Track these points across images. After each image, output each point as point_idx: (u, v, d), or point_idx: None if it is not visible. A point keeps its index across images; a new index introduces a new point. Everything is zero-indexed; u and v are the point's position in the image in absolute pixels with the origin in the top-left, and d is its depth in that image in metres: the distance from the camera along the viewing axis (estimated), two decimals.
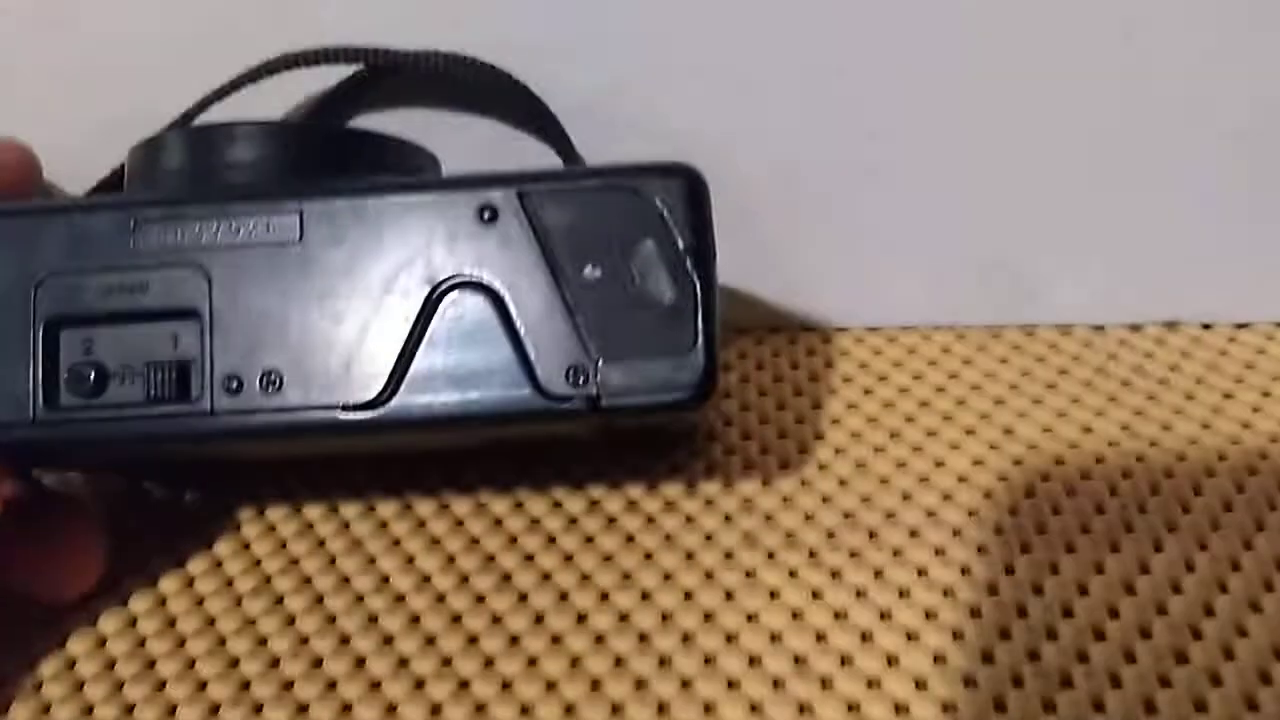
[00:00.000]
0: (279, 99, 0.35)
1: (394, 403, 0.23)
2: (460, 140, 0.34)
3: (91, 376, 0.23)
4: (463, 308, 0.24)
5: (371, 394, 0.23)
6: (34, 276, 0.23)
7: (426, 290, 0.24)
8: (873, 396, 0.33)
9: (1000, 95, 0.33)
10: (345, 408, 0.23)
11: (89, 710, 0.25)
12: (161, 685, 0.25)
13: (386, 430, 0.24)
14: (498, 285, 0.24)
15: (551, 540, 0.29)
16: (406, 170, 0.28)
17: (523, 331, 0.24)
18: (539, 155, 0.35)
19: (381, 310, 0.23)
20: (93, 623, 0.27)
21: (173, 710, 0.25)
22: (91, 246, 0.23)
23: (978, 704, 0.24)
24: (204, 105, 0.32)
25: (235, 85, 0.32)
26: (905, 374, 0.34)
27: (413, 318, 0.23)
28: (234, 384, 0.23)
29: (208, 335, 0.23)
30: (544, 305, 0.24)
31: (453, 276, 0.24)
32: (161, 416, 0.23)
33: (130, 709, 0.25)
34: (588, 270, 0.24)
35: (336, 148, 0.27)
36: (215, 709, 0.25)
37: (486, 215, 0.24)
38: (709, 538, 0.29)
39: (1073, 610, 0.26)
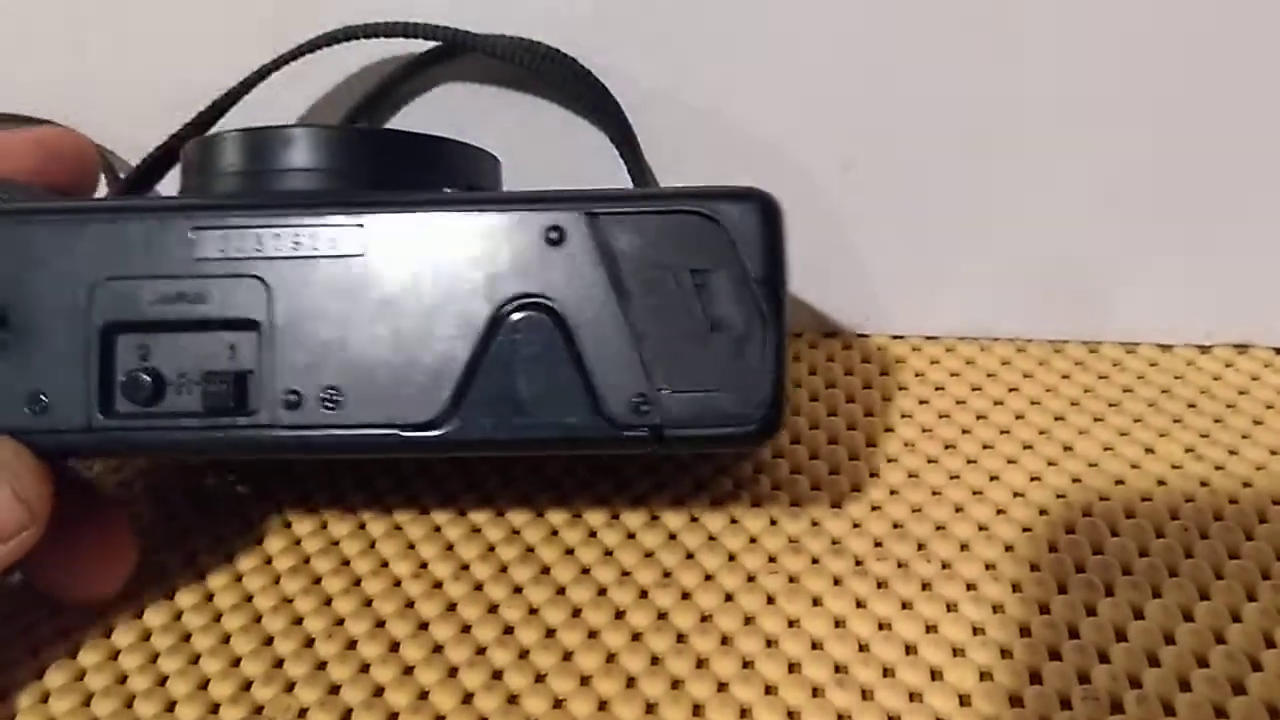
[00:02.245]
0: (342, 74, 0.35)
1: (454, 424, 0.23)
2: (520, 124, 0.34)
3: (149, 384, 0.23)
4: (526, 329, 0.23)
5: (432, 414, 0.23)
6: (91, 280, 0.23)
7: (490, 310, 0.23)
8: (928, 406, 0.32)
9: (1073, 108, 0.33)
10: (405, 427, 0.23)
11: (130, 703, 0.25)
12: (205, 683, 0.25)
13: (446, 451, 0.23)
14: (563, 308, 0.23)
15: (592, 534, 0.28)
16: (469, 175, 0.27)
17: (586, 356, 0.23)
18: (597, 145, 0.35)
19: (444, 329, 0.23)
20: (139, 614, 0.27)
21: (215, 709, 0.25)
22: (150, 252, 0.23)
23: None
24: (268, 72, 0.32)
25: (306, 49, 0.32)
26: (963, 385, 0.33)
27: (475, 338, 0.23)
28: (294, 399, 0.23)
29: (267, 347, 0.23)
30: (609, 330, 0.23)
31: (517, 297, 0.23)
32: (220, 428, 0.23)
33: (171, 706, 0.25)
34: (655, 296, 0.23)
35: (399, 152, 0.26)
36: (259, 709, 0.25)
37: (554, 236, 0.23)
38: (753, 540, 0.28)
39: (1126, 634, 0.25)
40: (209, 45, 0.35)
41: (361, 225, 0.23)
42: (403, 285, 0.23)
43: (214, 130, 0.27)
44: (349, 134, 0.28)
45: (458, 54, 0.34)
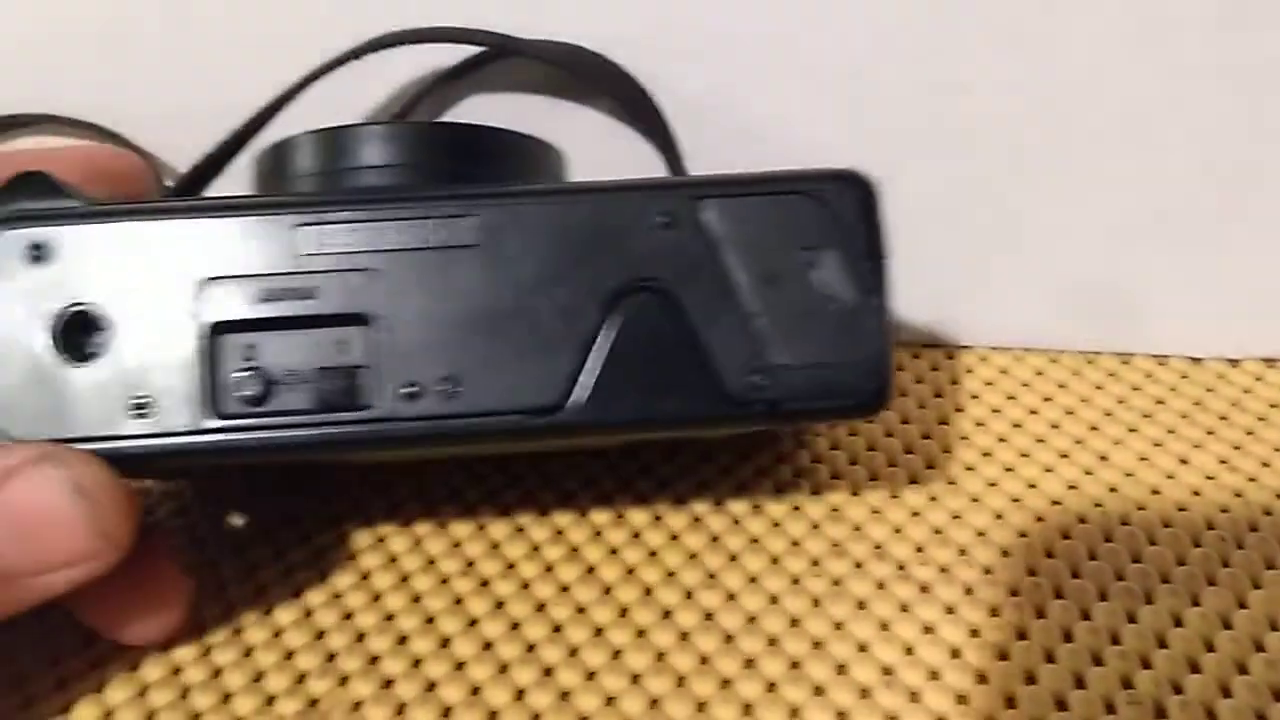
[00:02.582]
0: (386, 79, 0.36)
1: (574, 408, 0.23)
2: (562, 129, 0.35)
3: (258, 384, 0.22)
4: (640, 312, 0.23)
5: (551, 399, 0.23)
6: (193, 280, 0.23)
7: (604, 295, 0.23)
8: (964, 415, 0.33)
9: (1110, 127, 0.33)
10: (526, 413, 0.23)
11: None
12: (270, 700, 0.25)
13: (566, 434, 0.23)
14: (675, 290, 0.23)
15: (636, 536, 0.29)
16: (543, 169, 0.28)
17: (701, 336, 0.23)
18: (639, 151, 0.35)
19: (559, 316, 0.23)
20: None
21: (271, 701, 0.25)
22: (255, 249, 0.23)
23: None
24: (314, 78, 0.33)
25: (353, 55, 0.32)
26: (998, 394, 0.33)
27: (591, 322, 0.23)
28: (411, 390, 0.23)
29: (379, 341, 0.23)
30: (722, 310, 0.23)
31: (630, 281, 0.23)
32: (336, 424, 0.23)
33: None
34: (765, 275, 0.23)
35: (480, 146, 0.27)
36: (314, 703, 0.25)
37: (664, 220, 0.23)
38: (795, 544, 0.28)
39: (1167, 641, 0.25)
40: (255, 51, 0.35)
41: (472, 216, 0.23)
42: (515, 274, 0.23)
43: (287, 135, 0.27)
44: (433, 129, 0.29)
45: (502, 58, 0.35)
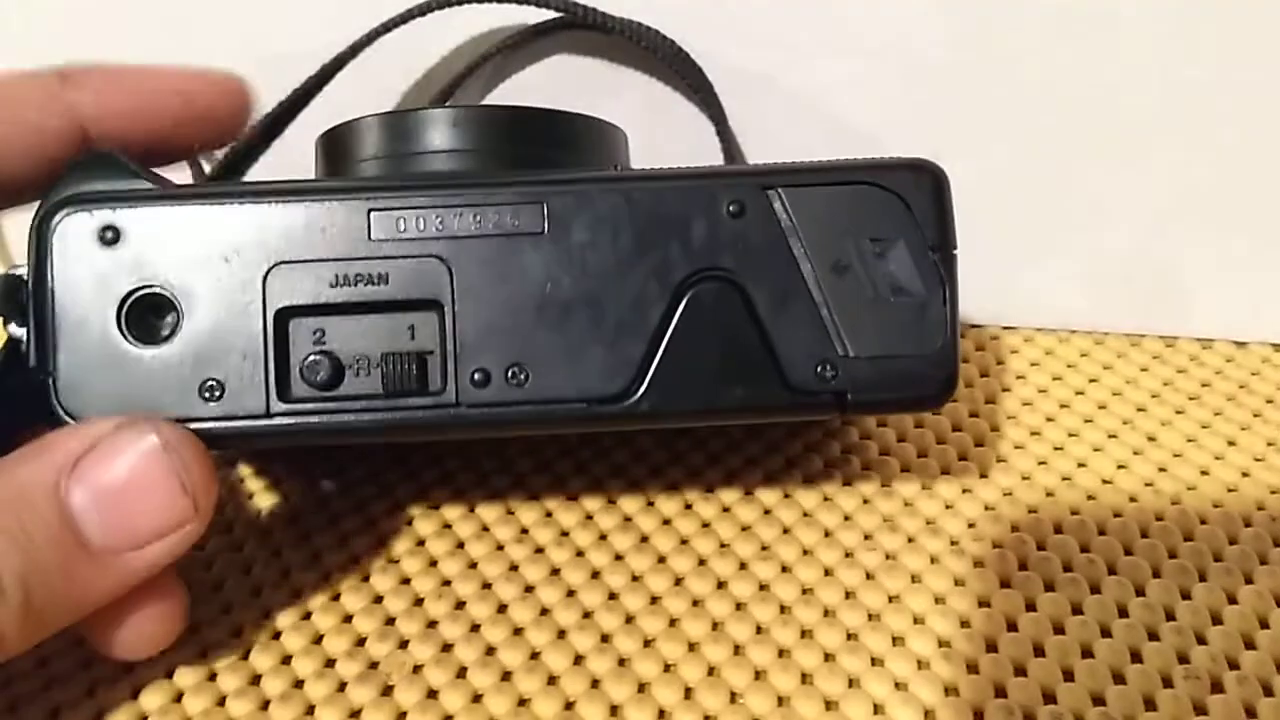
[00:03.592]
0: (448, 45, 0.36)
1: (642, 396, 0.23)
2: (618, 105, 0.35)
3: (327, 368, 0.22)
4: (709, 302, 0.23)
5: (618, 387, 0.23)
6: (265, 264, 0.23)
7: (673, 283, 0.23)
8: (1011, 394, 0.33)
9: (1159, 111, 0.33)
10: (594, 400, 0.23)
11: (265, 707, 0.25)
12: (342, 686, 0.25)
13: (632, 423, 0.23)
14: (744, 280, 0.23)
15: (688, 506, 0.29)
16: (608, 152, 0.28)
17: (769, 326, 0.23)
18: (699, 126, 0.35)
19: (627, 304, 0.23)
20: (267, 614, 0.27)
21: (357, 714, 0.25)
22: (326, 234, 0.23)
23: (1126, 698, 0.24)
24: (373, 38, 0.32)
25: (420, 11, 0.32)
26: (1044, 374, 0.34)
27: (659, 311, 0.23)
28: (480, 376, 0.23)
29: (449, 327, 0.23)
30: (791, 300, 0.23)
31: (699, 270, 0.23)
32: (403, 409, 0.23)
33: (311, 710, 0.25)
34: (834, 265, 0.23)
35: (546, 130, 0.27)
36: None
37: (733, 209, 0.23)
38: (847, 518, 0.29)
39: (1221, 618, 0.26)
40: (309, 10, 0.35)
41: (543, 203, 0.23)
42: (585, 262, 0.23)
43: (351, 119, 0.27)
44: (501, 113, 0.28)
45: (563, 29, 0.35)
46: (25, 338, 0.22)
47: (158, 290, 0.22)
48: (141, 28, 0.37)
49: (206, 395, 0.22)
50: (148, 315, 0.22)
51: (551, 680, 0.25)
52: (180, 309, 0.22)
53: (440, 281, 0.23)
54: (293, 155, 0.29)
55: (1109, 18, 0.33)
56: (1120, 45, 0.33)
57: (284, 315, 0.23)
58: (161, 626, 0.23)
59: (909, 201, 0.23)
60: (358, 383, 0.23)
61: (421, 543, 0.28)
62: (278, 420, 0.22)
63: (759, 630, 0.26)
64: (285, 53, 0.31)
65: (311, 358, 0.23)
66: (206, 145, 0.25)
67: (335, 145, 0.27)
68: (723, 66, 0.35)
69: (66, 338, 0.22)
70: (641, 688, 0.25)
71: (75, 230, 0.22)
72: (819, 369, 0.23)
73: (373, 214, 0.23)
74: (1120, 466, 0.30)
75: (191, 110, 0.25)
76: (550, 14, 0.34)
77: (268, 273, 0.23)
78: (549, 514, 0.29)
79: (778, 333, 0.23)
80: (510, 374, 0.23)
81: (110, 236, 0.22)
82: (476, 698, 0.25)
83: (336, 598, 0.27)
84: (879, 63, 0.34)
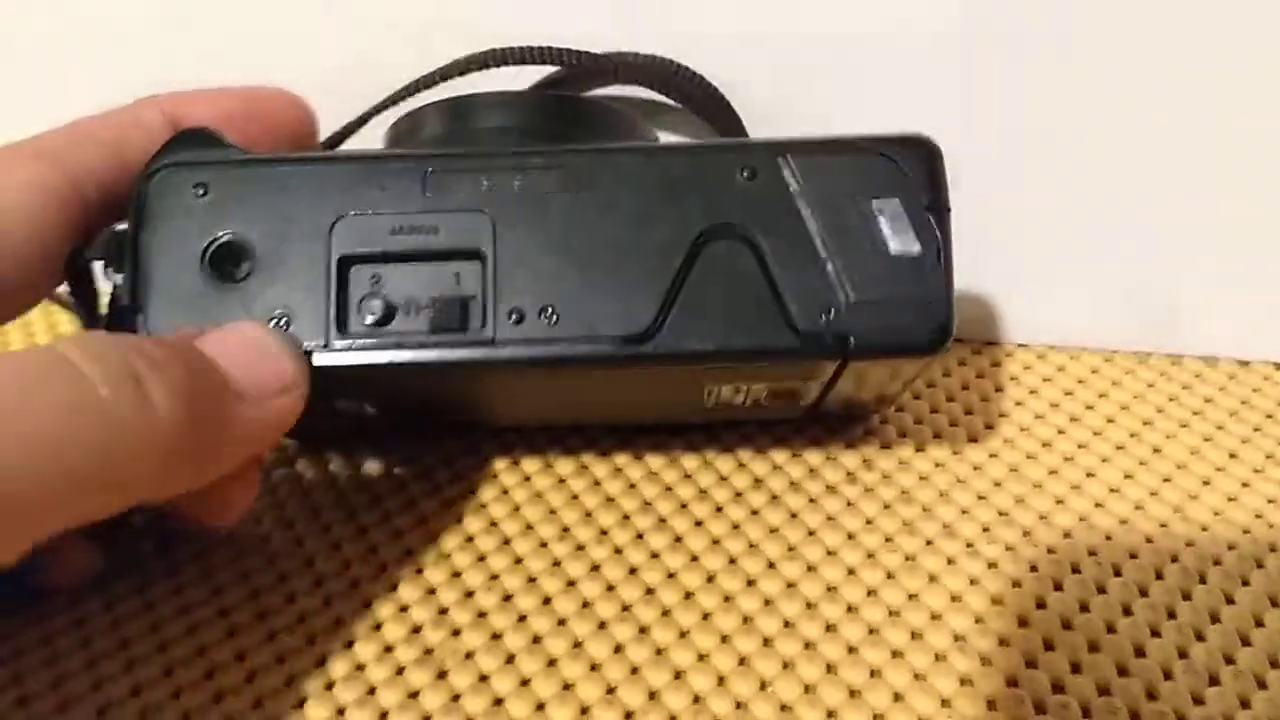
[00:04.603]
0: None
1: (660, 337, 0.25)
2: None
3: (381, 308, 0.25)
4: (723, 254, 0.26)
5: (639, 328, 0.25)
6: (331, 216, 0.26)
7: (691, 237, 0.26)
8: (1024, 408, 0.35)
9: (1167, 138, 0.35)
10: (616, 340, 0.25)
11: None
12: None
13: (652, 362, 0.26)
14: (756, 235, 0.26)
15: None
16: (637, 137, 0.31)
17: (777, 277, 0.26)
18: None
19: (649, 255, 0.25)
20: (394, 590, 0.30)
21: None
22: (386, 192, 0.26)
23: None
24: (412, 91, 0.34)
25: (441, 77, 0.34)
26: (1056, 389, 0.35)
27: (678, 261, 0.25)
28: (515, 316, 0.25)
29: (491, 273, 0.25)
30: (798, 254, 0.26)
31: (715, 226, 0.26)
32: (448, 345, 0.25)
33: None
34: (838, 223, 0.26)
35: (587, 114, 0.30)
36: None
37: (747, 174, 0.26)
38: (869, 522, 0.30)
39: (1220, 617, 0.27)
40: (358, 58, 0.38)
41: (577, 165, 0.26)
42: (613, 218, 0.26)
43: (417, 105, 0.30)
44: (544, 98, 0.32)
45: (583, 79, 0.37)
46: (123, 282, 0.25)
47: (238, 238, 0.25)
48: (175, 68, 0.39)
49: (275, 328, 0.25)
50: (227, 260, 0.25)
51: (594, 667, 0.27)
52: (256, 255, 0.25)
53: (484, 233, 0.26)
54: None
55: (1114, 43, 0.35)
56: (1127, 71, 0.35)
57: (346, 262, 0.26)
58: (247, 496, 0.27)
59: (905, 168, 0.26)
60: (407, 321, 0.25)
61: (471, 539, 0.30)
62: (335, 352, 0.25)
63: (786, 624, 0.28)
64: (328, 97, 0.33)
65: (368, 299, 0.25)
66: (280, 148, 0.28)
67: (400, 129, 0.30)
68: (744, 95, 0.37)
69: (158, 278, 0.25)
70: (678, 674, 0.27)
71: (170, 188, 0.26)
72: (823, 315, 0.25)
73: (428, 175, 0.26)
74: (1127, 476, 0.32)
75: (266, 125, 0.28)
76: (550, 69, 0.36)
77: (333, 224, 0.26)
78: (589, 514, 0.31)
79: (785, 283, 0.26)
80: (543, 314, 0.25)
81: (200, 192, 0.26)
82: (525, 681, 0.27)
83: (395, 587, 0.29)
84: (893, 85, 0.36)
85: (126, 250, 0.25)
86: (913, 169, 0.26)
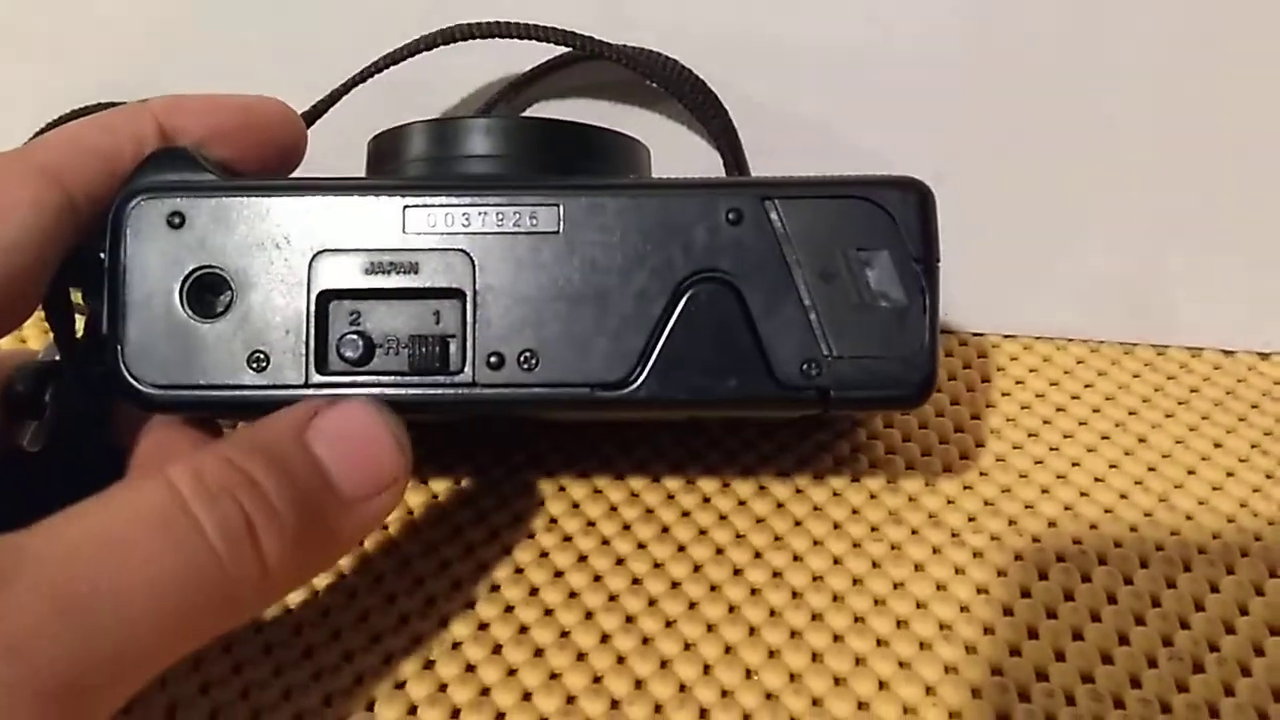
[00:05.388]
0: (468, 75, 0.38)
1: (640, 384, 0.25)
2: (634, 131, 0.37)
3: (360, 346, 0.25)
4: (706, 301, 0.25)
5: (619, 375, 0.25)
6: (309, 251, 0.25)
7: (673, 283, 0.25)
8: (1011, 399, 0.35)
9: (1151, 131, 0.35)
10: (596, 386, 0.25)
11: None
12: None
13: (631, 408, 0.25)
14: (739, 282, 0.25)
15: (707, 500, 0.31)
16: (631, 164, 0.30)
17: (760, 325, 0.25)
18: (706, 155, 0.37)
19: (631, 300, 0.25)
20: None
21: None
22: (366, 226, 0.25)
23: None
24: (381, 67, 0.34)
25: (442, 39, 0.34)
26: (1042, 380, 0.36)
27: (659, 307, 0.25)
28: (495, 359, 0.25)
29: (470, 314, 0.25)
30: (781, 302, 0.25)
31: (698, 271, 0.25)
32: (425, 386, 0.25)
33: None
34: (823, 272, 0.25)
35: (574, 141, 0.29)
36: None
37: (732, 217, 0.25)
38: (855, 512, 0.31)
39: (1203, 605, 0.28)
40: (345, 29, 0.38)
41: (559, 205, 0.25)
42: (594, 260, 0.25)
43: (399, 124, 0.29)
44: (531, 125, 0.31)
45: (582, 61, 0.37)
46: (101, 310, 0.25)
47: (215, 271, 0.25)
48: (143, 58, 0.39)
49: (253, 366, 0.25)
50: (205, 293, 0.25)
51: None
52: (234, 288, 0.25)
53: (465, 273, 0.25)
54: None
55: (1106, 40, 0.35)
56: (1117, 64, 0.35)
57: (325, 297, 0.25)
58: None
59: (895, 215, 0.25)
60: (387, 360, 0.25)
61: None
62: (313, 391, 0.25)
63: (772, 613, 0.28)
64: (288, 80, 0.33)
65: (347, 336, 0.25)
66: (266, 165, 0.27)
67: (382, 146, 0.30)
68: (740, 96, 0.37)
69: (134, 310, 0.25)
70: (663, 663, 0.27)
71: (146, 215, 0.25)
72: (804, 366, 0.25)
73: (407, 210, 0.25)
74: (1113, 466, 0.32)
75: (247, 125, 0.27)
76: (558, 50, 0.36)
77: (313, 259, 0.25)
78: (594, 518, 0.31)
79: (768, 332, 0.25)
80: (522, 359, 0.25)
81: (176, 221, 0.25)
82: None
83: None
84: (883, 86, 0.36)
85: (105, 280, 0.25)
86: (903, 216, 0.25)
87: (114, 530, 0.20)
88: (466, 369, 0.25)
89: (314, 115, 0.35)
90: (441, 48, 0.34)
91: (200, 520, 0.21)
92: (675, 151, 0.38)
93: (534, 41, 0.35)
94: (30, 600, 0.18)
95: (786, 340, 0.25)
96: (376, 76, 0.35)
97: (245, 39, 0.39)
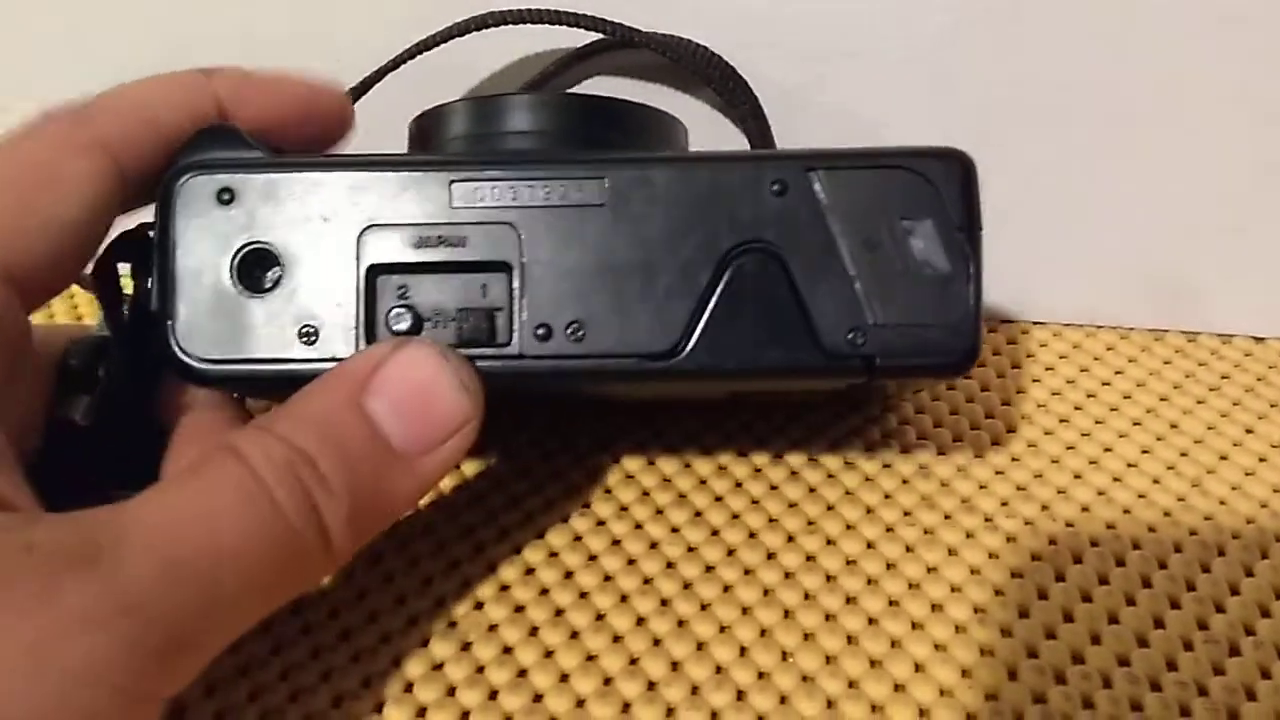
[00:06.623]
0: (502, 61, 0.38)
1: (687, 354, 0.25)
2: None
3: (408, 319, 0.25)
4: (752, 271, 0.25)
5: (666, 346, 0.25)
6: (359, 226, 0.25)
7: (719, 254, 0.25)
8: (1041, 385, 0.35)
9: (1181, 115, 0.35)
10: (643, 356, 0.25)
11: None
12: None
13: (678, 379, 0.25)
14: (785, 252, 0.25)
15: (739, 485, 0.31)
16: (669, 140, 0.30)
17: (805, 295, 0.25)
18: (734, 137, 0.37)
19: (677, 271, 0.25)
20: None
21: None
22: (413, 201, 0.25)
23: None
24: (416, 52, 0.35)
25: (466, 28, 0.34)
26: (1072, 366, 0.36)
27: (706, 278, 0.25)
28: (542, 331, 0.25)
29: (518, 286, 0.25)
30: (826, 272, 0.25)
31: (743, 242, 0.25)
32: (475, 359, 0.25)
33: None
34: (867, 241, 0.25)
35: (614, 117, 0.29)
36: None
37: (776, 188, 0.25)
38: (888, 496, 0.31)
39: (1224, 606, 0.28)
40: (362, 20, 0.38)
41: (604, 178, 0.25)
42: (641, 232, 0.25)
43: (441, 103, 0.30)
44: (573, 100, 0.31)
45: (615, 49, 0.37)
46: (150, 287, 0.25)
47: (265, 246, 0.25)
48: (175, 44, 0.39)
49: (304, 339, 0.25)
50: (255, 268, 0.25)
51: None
52: (284, 263, 0.25)
53: (511, 246, 0.25)
54: None
55: (1138, 21, 0.35)
56: (1149, 52, 0.35)
57: (374, 271, 0.25)
58: None
59: (937, 185, 0.25)
60: (435, 333, 0.25)
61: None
62: None
63: (806, 596, 0.28)
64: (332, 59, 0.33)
65: (395, 309, 0.25)
66: (315, 145, 0.28)
67: (425, 125, 0.30)
68: (769, 82, 0.37)
69: (184, 286, 0.25)
70: (700, 646, 0.27)
71: (196, 192, 0.25)
72: (850, 335, 0.25)
73: (454, 184, 0.25)
74: (1144, 451, 0.32)
75: (309, 111, 0.28)
76: (592, 36, 0.36)
77: (361, 233, 0.25)
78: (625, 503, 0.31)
79: (813, 301, 0.25)
80: (570, 330, 0.25)
81: (226, 198, 0.25)
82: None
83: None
84: (915, 69, 0.36)
85: (154, 256, 0.25)
86: (945, 186, 0.25)
87: (207, 503, 0.21)
88: (514, 341, 0.25)
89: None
90: (474, 34, 0.34)
91: (276, 497, 0.21)
92: (705, 136, 0.38)
93: (565, 27, 0.35)
94: (142, 562, 0.20)
95: (831, 309, 0.25)
96: (410, 62, 0.35)
97: (276, 30, 0.39)
